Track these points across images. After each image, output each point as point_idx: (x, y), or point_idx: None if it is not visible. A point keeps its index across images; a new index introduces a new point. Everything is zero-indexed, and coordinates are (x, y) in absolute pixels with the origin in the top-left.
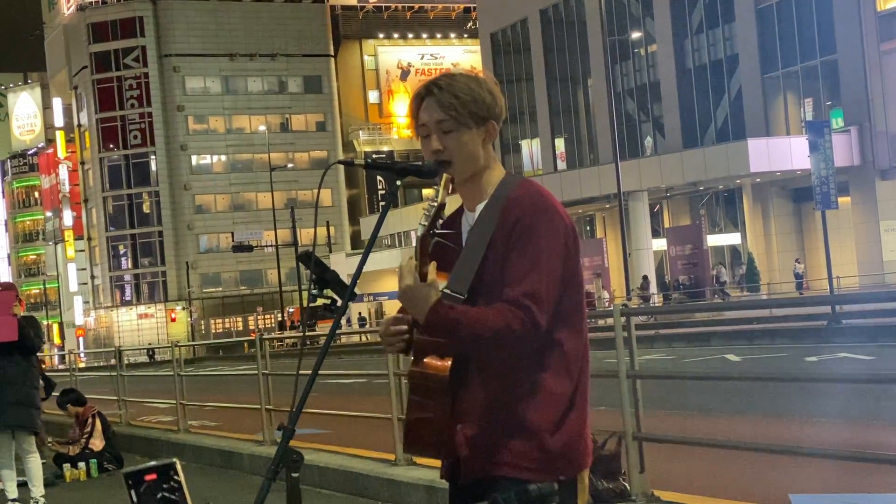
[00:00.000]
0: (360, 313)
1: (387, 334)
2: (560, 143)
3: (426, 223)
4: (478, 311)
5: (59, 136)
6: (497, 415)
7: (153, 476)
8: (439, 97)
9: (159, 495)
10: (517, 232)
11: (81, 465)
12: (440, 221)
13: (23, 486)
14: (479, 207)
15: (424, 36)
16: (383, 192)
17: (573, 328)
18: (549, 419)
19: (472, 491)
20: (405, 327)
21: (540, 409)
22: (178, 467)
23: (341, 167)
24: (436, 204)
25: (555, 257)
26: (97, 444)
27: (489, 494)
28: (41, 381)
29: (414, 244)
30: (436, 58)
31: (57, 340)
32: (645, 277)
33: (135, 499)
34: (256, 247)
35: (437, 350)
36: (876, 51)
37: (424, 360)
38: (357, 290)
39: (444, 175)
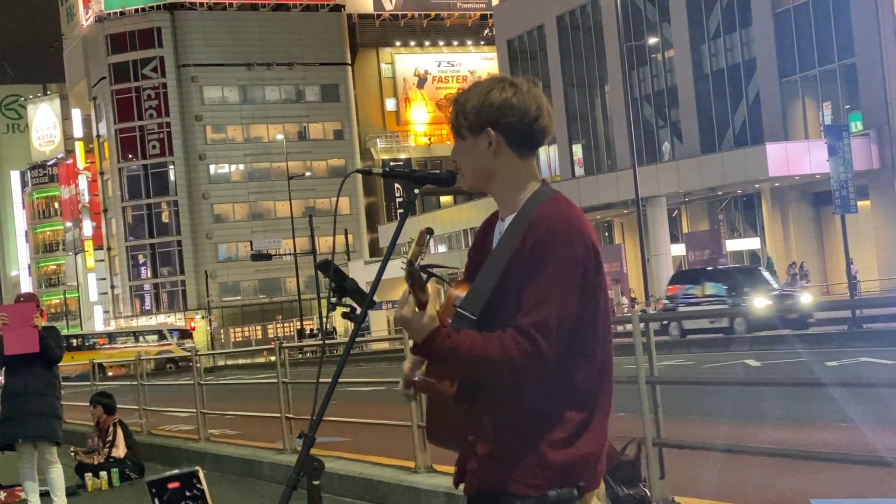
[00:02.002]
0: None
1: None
2: (577, 149)
3: (406, 272)
4: (478, 340)
5: (79, 147)
6: (504, 434)
7: (176, 484)
8: (451, 110)
9: (182, 503)
10: (533, 258)
11: (103, 474)
12: (420, 273)
13: (45, 495)
14: (510, 219)
15: (441, 43)
16: (401, 199)
17: (589, 357)
18: (554, 442)
19: (477, 501)
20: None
21: (547, 433)
22: (201, 475)
23: (359, 175)
24: (407, 258)
25: (570, 286)
26: (119, 452)
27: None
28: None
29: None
30: (452, 65)
31: None
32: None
33: None
34: (275, 255)
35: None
36: (895, 53)
37: (434, 373)
38: (376, 298)
39: (421, 231)
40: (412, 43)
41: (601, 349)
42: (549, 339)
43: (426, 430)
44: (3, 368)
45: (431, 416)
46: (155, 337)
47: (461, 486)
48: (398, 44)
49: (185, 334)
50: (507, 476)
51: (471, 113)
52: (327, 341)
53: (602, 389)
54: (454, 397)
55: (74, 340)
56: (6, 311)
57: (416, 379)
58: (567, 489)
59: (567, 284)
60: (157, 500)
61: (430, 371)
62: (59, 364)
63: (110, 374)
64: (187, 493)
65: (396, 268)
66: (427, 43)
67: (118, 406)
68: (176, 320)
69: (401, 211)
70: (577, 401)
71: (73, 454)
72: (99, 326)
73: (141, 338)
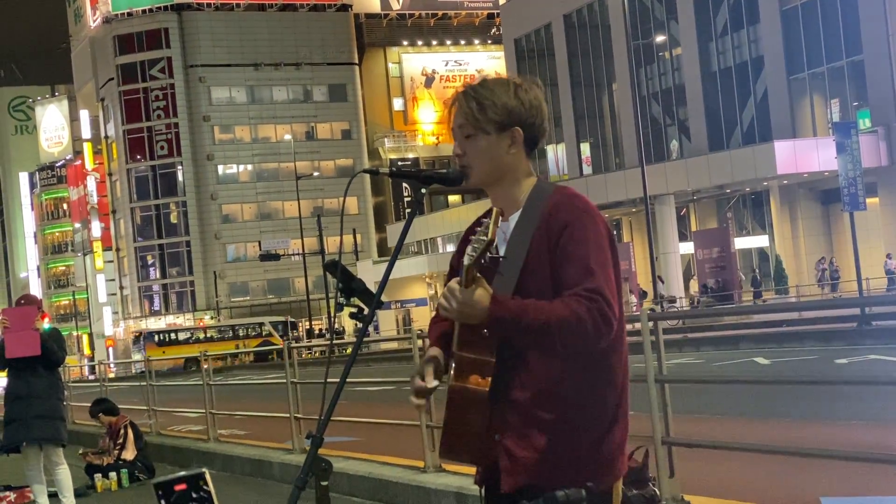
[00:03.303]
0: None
1: (414, 404)
2: (585, 148)
3: (474, 255)
4: (542, 302)
5: (87, 148)
6: (538, 427)
7: (183, 486)
8: (463, 103)
9: None
10: (566, 237)
11: (113, 474)
12: (488, 255)
13: (53, 496)
14: (514, 217)
15: (448, 42)
16: (409, 199)
17: (618, 339)
18: (591, 434)
19: (515, 499)
20: (424, 402)
21: (583, 424)
22: (208, 477)
23: (367, 175)
24: (485, 239)
25: (606, 259)
26: (129, 454)
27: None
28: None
29: (462, 271)
30: (460, 64)
31: (87, 351)
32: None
33: None
34: (283, 255)
35: (479, 368)
36: None
37: (465, 376)
38: (384, 298)
39: (495, 210)
40: (419, 42)
41: (625, 333)
42: (609, 304)
43: (441, 447)
44: (6, 371)
45: (448, 433)
46: (257, 330)
47: (480, 486)
48: (405, 43)
49: (293, 326)
50: (539, 467)
51: (502, 109)
52: (335, 341)
53: (627, 376)
54: (488, 395)
55: (158, 336)
56: (7, 314)
57: (448, 386)
58: (575, 489)
59: (604, 257)
60: (163, 502)
61: (460, 373)
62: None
63: (205, 367)
64: (194, 495)
65: (405, 267)
66: (434, 42)
67: (128, 406)
68: (185, 320)
69: (409, 210)
70: (610, 390)
71: (81, 455)
72: (108, 327)
73: (241, 331)
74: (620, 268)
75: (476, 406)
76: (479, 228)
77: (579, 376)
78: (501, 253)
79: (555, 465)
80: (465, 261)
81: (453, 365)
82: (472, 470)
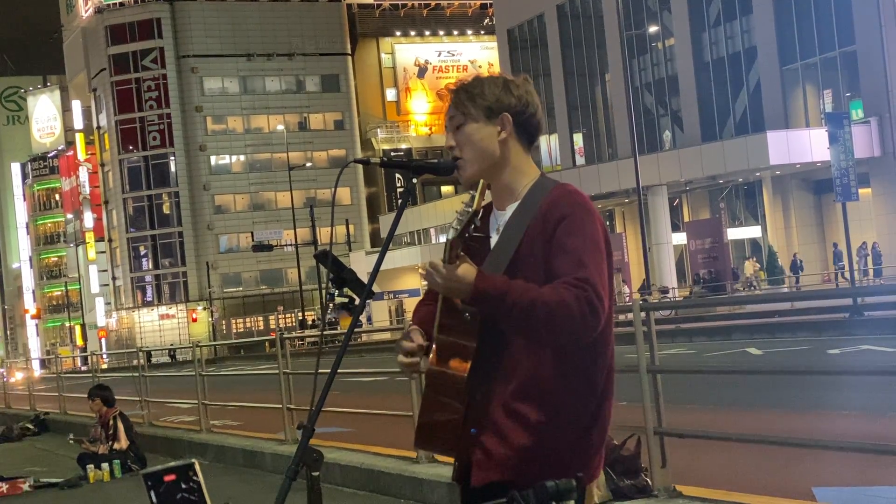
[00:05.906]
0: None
1: (402, 364)
2: (578, 139)
3: (458, 227)
4: (530, 285)
5: (79, 139)
6: (517, 423)
7: (172, 477)
8: (455, 96)
9: (178, 496)
10: (562, 230)
11: (105, 465)
12: (473, 227)
13: (47, 487)
14: (511, 207)
15: (441, 33)
16: (402, 189)
17: (604, 340)
18: (568, 437)
19: (484, 494)
20: (416, 359)
21: (560, 428)
22: (197, 468)
23: (360, 165)
24: (470, 210)
25: (601, 255)
26: (121, 445)
27: (508, 493)
28: None
29: (444, 246)
30: (453, 55)
31: (79, 342)
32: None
33: (154, 499)
34: (276, 246)
35: (459, 352)
36: (895, 40)
37: (445, 360)
38: (376, 288)
39: (482, 182)
40: (412, 33)
41: (612, 336)
42: (598, 295)
43: (416, 437)
44: None
45: (423, 419)
46: None
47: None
48: (398, 34)
49: None
50: (512, 463)
51: (490, 97)
52: (327, 332)
53: (611, 379)
54: (466, 379)
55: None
56: None
57: (427, 369)
58: (565, 480)
59: (598, 252)
60: (152, 493)
61: (441, 356)
62: None
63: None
64: (183, 486)
65: (397, 257)
66: (427, 33)
67: (120, 397)
68: (178, 311)
69: (401, 201)
70: (590, 393)
71: (71, 441)
72: (101, 318)
73: None
74: (613, 263)
75: (453, 390)
76: (463, 202)
77: (564, 374)
78: (494, 240)
79: (528, 462)
80: (449, 234)
81: (433, 348)
82: None
